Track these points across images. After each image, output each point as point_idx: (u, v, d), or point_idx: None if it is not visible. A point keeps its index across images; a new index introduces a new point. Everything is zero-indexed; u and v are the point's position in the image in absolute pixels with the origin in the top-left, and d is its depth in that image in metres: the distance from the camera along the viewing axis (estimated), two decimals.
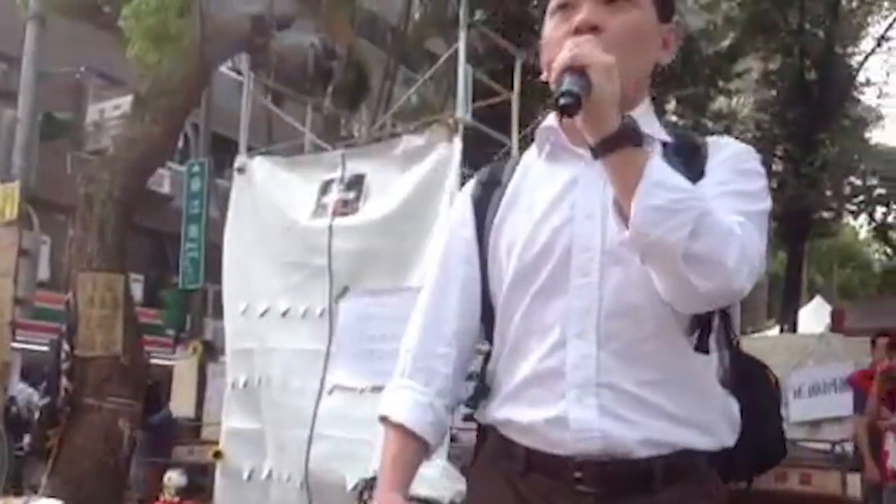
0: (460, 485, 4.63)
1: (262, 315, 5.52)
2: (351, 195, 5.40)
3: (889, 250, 18.67)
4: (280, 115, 7.22)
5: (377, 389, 4.97)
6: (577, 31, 1.41)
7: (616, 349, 1.39)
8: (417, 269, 4.99)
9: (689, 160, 1.42)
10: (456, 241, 1.58)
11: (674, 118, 15.64)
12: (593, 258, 1.40)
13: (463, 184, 5.54)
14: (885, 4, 15.52)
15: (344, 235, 5.29)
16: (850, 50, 15.62)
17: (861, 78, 15.96)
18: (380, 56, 9.53)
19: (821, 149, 14.41)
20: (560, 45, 1.37)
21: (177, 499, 6.45)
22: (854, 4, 15.54)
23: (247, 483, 5.49)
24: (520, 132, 5.95)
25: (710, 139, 1.48)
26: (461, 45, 5.49)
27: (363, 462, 4.78)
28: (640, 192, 1.26)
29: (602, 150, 1.29)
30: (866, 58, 15.73)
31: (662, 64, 1.53)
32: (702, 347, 1.40)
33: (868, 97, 17.33)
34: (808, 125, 14.40)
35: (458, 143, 5.01)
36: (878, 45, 15.65)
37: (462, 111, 5.26)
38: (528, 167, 1.55)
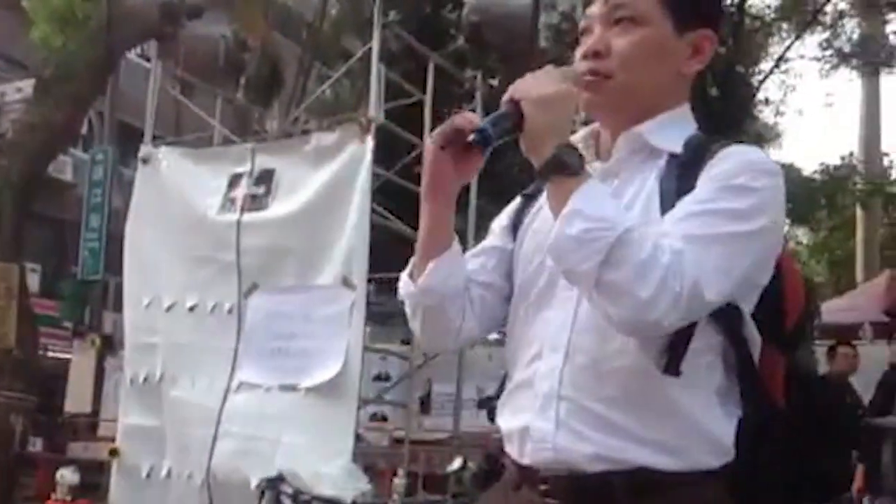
0: (363, 484, 4.64)
1: (168, 310, 5.41)
2: (260, 190, 5.35)
3: None
4: (189, 106, 7.08)
5: (285, 388, 4.95)
6: (584, 57, 1.48)
7: (581, 364, 1.41)
8: (327, 267, 4.98)
9: (686, 172, 1.41)
10: (493, 240, 1.63)
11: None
12: None
13: (374, 183, 5.55)
14: (784, 26, 16.21)
15: (252, 231, 5.24)
16: (750, 69, 16.24)
17: (760, 97, 16.63)
18: (295, 52, 9.45)
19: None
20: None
21: (69, 498, 6.25)
22: (756, 25, 16.17)
23: (145, 482, 5.37)
24: (431, 135, 5.97)
25: (725, 150, 1.41)
26: (374, 45, 5.50)
27: (268, 461, 4.75)
28: (559, 220, 1.30)
29: (540, 176, 1.35)
30: (765, 77, 16.39)
31: (692, 72, 1.52)
32: (670, 369, 1.36)
33: (766, 115, 18.06)
34: None
35: (370, 143, 5.01)
36: (777, 65, 16.33)
37: (374, 111, 5.26)
38: None
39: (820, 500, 1.51)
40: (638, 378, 1.38)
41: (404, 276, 1.57)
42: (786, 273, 1.48)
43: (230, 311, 5.20)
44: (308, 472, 4.59)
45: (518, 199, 1.66)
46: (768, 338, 1.44)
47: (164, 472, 5.28)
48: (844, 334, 11.52)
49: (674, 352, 1.36)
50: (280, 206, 5.21)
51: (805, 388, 1.49)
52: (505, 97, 1.37)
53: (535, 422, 1.43)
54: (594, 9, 1.50)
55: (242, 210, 5.30)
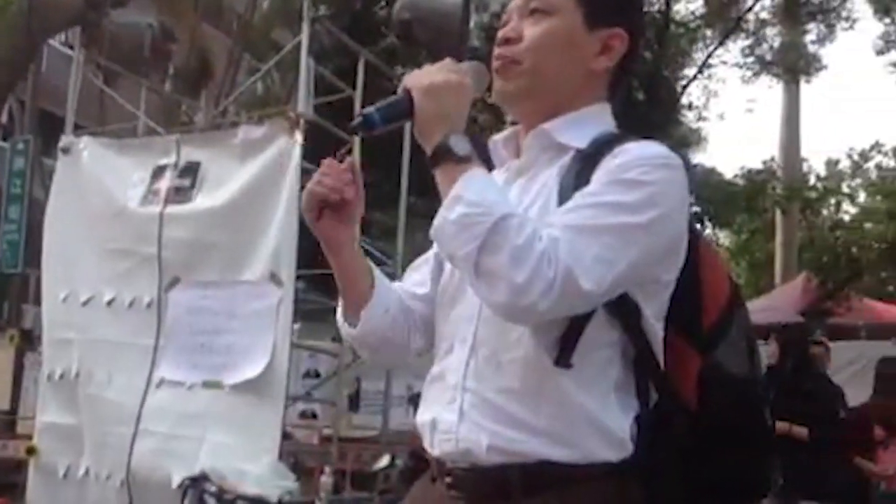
0: (290, 482, 4.59)
1: (85, 304, 5.27)
2: (185, 183, 5.25)
3: None
4: (113, 96, 6.91)
5: (207, 385, 4.86)
6: (497, 45, 1.53)
7: (485, 356, 1.43)
8: (252, 263, 4.91)
9: (584, 167, 1.42)
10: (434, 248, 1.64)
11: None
12: None
13: (304, 179, 5.52)
14: (708, 33, 16.60)
15: (176, 224, 5.14)
16: (675, 74, 16.59)
17: (684, 101, 16.99)
18: (225, 43, 9.31)
19: None
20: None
21: None
22: (680, 31, 16.52)
23: (62, 481, 5.22)
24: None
25: (623, 145, 1.44)
26: (304, 39, 5.45)
27: (190, 459, 4.66)
28: (443, 206, 1.33)
29: (429, 164, 1.38)
30: (689, 82, 16.75)
31: (600, 69, 1.52)
32: (562, 362, 1.38)
33: (690, 120, 18.46)
34: None
35: (298, 138, 4.96)
36: (700, 71, 16.71)
37: (304, 105, 5.22)
38: None
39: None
40: (534, 369, 1.39)
41: (341, 319, 1.62)
42: (706, 270, 1.49)
43: (149, 306, 5.09)
44: (233, 470, 4.53)
45: None
46: (684, 335, 1.46)
47: (81, 472, 5.14)
48: (762, 334, 11.88)
49: (565, 344, 1.38)
50: (205, 200, 5.12)
51: (722, 390, 1.46)
52: (400, 87, 1.42)
53: (443, 413, 1.46)
54: (514, 2, 1.55)
55: (166, 202, 5.19)
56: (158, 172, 5.34)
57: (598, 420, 1.39)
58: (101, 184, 5.48)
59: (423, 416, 1.51)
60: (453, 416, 1.44)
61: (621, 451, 1.40)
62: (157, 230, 5.13)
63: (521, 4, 1.53)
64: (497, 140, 1.61)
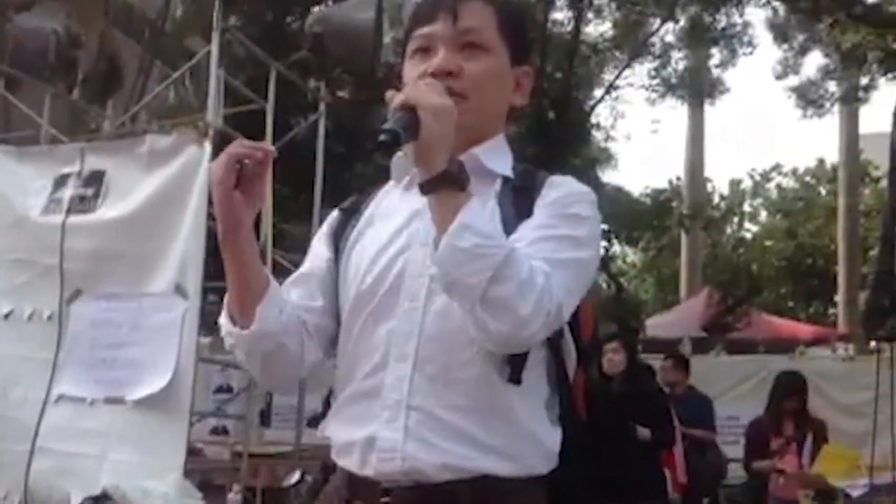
0: (196, 500, 4.50)
1: None
2: (89, 192, 5.12)
3: (609, 280, 20.33)
4: (16, 103, 6.69)
5: (110, 400, 4.73)
6: (433, 76, 1.49)
7: (431, 373, 1.43)
8: (159, 273, 4.81)
9: (521, 198, 1.49)
10: (314, 262, 1.63)
11: None
12: (423, 284, 1.45)
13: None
14: (616, 55, 17.03)
15: (78, 234, 5.00)
16: (584, 94, 16.94)
17: (593, 121, 17.36)
18: (137, 51, 9.12)
19: None
20: None
21: None
22: (589, 53, 16.90)
23: None
24: (274, 142, 5.93)
25: (551, 177, 1.52)
26: (213, 48, 5.40)
27: (91, 478, 4.53)
28: (450, 233, 1.32)
29: (427, 187, 1.36)
30: (597, 103, 17.13)
31: (517, 104, 1.61)
32: (514, 379, 1.43)
33: (598, 140, 18.86)
34: (546, 162, 15.44)
35: (207, 148, 4.90)
36: (608, 92, 17.11)
37: (213, 115, 5.16)
38: (384, 197, 1.62)
39: None
40: (484, 387, 1.42)
41: (226, 322, 1.53)
42: None
43: (50, 319, 4.93)
44: (136, 489, 4.41)
45: (335, 214, 1.68)
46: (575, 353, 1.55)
47: None
48: (667, 348, 12.19)
49: (516, 362, 1.43)
50: (110, 210, 5.00)
51: (602, 402, 1.59)
52: (396, 102, 1.36)
53: (383, 432, 1.43)
54: (435, 29, 1.54)
55: (68, 212, 5.05)
56: (61, 181, 5.20)
57: (536, 435, 1.45)
58: (0, 192, 5.30)
59: (352, 434, 1.47)
60: (397, 435, 1.42)
61: (551, 463, 1.46)
62: (58, 240, 4.99)
63: (453, 36, 1.53)
64: (401, 155, 1.59)
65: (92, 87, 7.73)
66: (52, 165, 5.30)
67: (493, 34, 1.55)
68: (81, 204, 5.08)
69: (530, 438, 1.44)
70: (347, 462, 1.49)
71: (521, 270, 1.33)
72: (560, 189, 1.49)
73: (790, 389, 6.21)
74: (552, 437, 1.47)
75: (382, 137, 1.31)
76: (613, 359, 5.07)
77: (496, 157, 1.56)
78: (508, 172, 1.54)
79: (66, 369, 4.86)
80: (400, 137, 1.32)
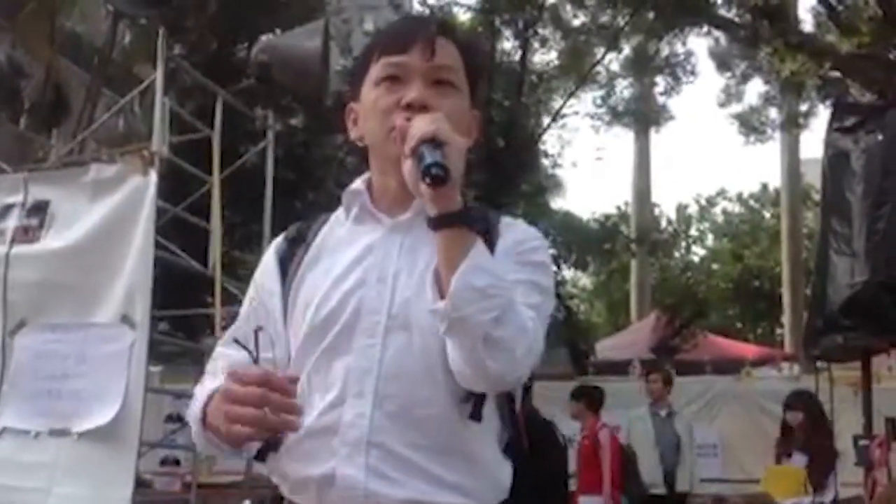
0: None
1: None
2: (33, 222, 5.06)
3: (559, 305, 20.48)
4: None
5: (55, 433, 4.65)
6: (410, 108, 1.47)
7: (391, 411, 1.43)
8: (105, 304, 4.77)
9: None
10: (261, 294, 1.61)
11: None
12: (380, 321, 1.45)
13: (160, 219, 5.40)
14: (563, 83, 17.29)
15: (23, 265, 4.93)
16: (531, 122, 17.14)
17: (540, 148, 17.55)
18: (85, 79, 9.04)
19: (504, 211, 15.61)
20: (389, 115, 1.49)
21: None
22: (536, 81, 17.13)
23: None
24: (221, 170, 5.93)
25: (504, 218, 1.55)
26: (158, 76, 5.40)
27: None
28: (464, 271, 1.33)
29: (440, 223, 1.36)
30: (544, 130, 17.34)
31: (470, 146, 1.54)
32: (475, 416, 1.44)
33: (547, 166, 19.08)
34: (495, 189, 15.57)
35: (153, 176, 4.87)
36: (554, 119, 17.34)
37: (158, 144, 5.14)
38: (333, 228, 1.59)
39: None
40: (444, 424, 1.43)
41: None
42: None
43: None
44: None
45: (280, 243, 1.63)
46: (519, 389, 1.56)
47: None
48: (617, 370, 12.32)
49: (477, 399, 1.44)
50: (54, 240, 4.94)
51: (541, 430, 1.59)
52: (425, 134, 1.34)
53: (343, 469, 1.42)
54: (411, 60, 1.52)
55: (13, 243, 4.98)
56: (4, 211, 5.13)
57: (491, 470, 1.47)
58: None
59: (309, 470, 1.46)
60: (358, 472, 1.42)
61: (502, 496, 1.48)
62: (1, 271, 4.91)
63: (427, 70, 1.51)
64: (361, 190, 1.59)
65: (38, 115, 7.65)
66: None
67: (461, 75, 1.55)
68: (25, 234, 5.01)
69: (486, 473, 1.46)
70: (303, 499, 1.48)
71: (520, 314, 1.38)
72: (516, 233, 1.51)
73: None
74: (505, 471, 1.49)
75: (436, 171, 1.31)
76: None
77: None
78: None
79: (9, 401, 4.77)
80: (450, 173, 1.32)
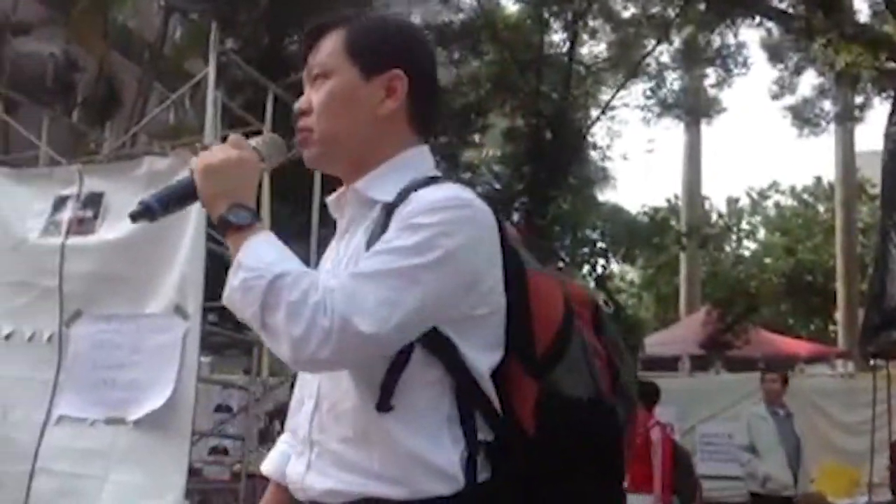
0: None
1: None
2: (87, 214, 5.14)
3: (607, 299, 20.33)
4: (15, 126, 6.73)
5: (111, 421, 4.73)
6: (295, 117, 1.61)
7: (327, 408, 1.52)
8: (158, 294, 4.83)
9: (386, 220, 1.48)
10: None
11: None
12: None
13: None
14: (613, 75, 17.13)
15: (78, 256, 5.01)
16: (580, 115, 17.02)
17: (589, 141, 17.42)
18: (136, 73, 9.19)
19: (552, 204, 15.53)
20: None
21: None
22: (585, 73, 17.00)
23: None
24: None
25: (417, 193, 1.49)
26: (210, 71, 5.45)
27: (92, 499, 4.52)
28: (229, 274, 1.43)
29: (222, 236, 1.50)
30: (593, 123, 17.21)
31: (387, 112, 1.57)
32: (381, 407, 1.44)
33: (596, 159, 18.94)
34: (542, 181, 15.49)
35: None
36: (603, 112, 17.19)
37: (210, 137, 5.19)
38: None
39: None
40: (362, 416, 1.46)
41: None
42: (536, 299, 1.52)
43: (50, 340, 4.94)
44: None
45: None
46: (520, 363, 1.50)
47: None
48: (666, 366, 12.19)
49: (385, 389, 1.44)
50: (109, 231, 5.02)
51: (559, 414, 1.48)
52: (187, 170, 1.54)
53: (294, 466, 1.57)
54: (305, 70, 1.63)
55: (67, 234, 5.07)
56: (60, 203, 5.22)
57: (424, 458, 1.44)
58: None
59: (288, 468, 1.63)
60: (301, 468, 1.54)
61: (453, 484, 1.44)
62: (58, 262, 5.00)
63: (307, 74, 1.61)
64: (330, 201, 1.67)
65: (91, 109, 7.79)
66: (51, 187, 5.32)
67: (339, 57, 1.58)
68: (80, 226, 5.10)
69: (416, 462, 1.44)
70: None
71: (289, 294, 1.36)
72: (415, 202, 1.47)
73: None
74: (449, 458, 1.45)
75: (134, 210, 1.51)
76: None
77: (382, 181, 1.55)
78: (388, 197, 1.52)
79: (66, 390, 4.86)
80: (153, 210, 1.51)
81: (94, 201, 5.14)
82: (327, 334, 1.35)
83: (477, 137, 16.39)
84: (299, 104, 1.60)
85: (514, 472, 1.47)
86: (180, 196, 1.54)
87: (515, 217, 16.52)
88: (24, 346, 5.01)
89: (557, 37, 16.54)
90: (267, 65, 9.32)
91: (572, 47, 16.26)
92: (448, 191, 1.49)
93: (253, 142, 1.59)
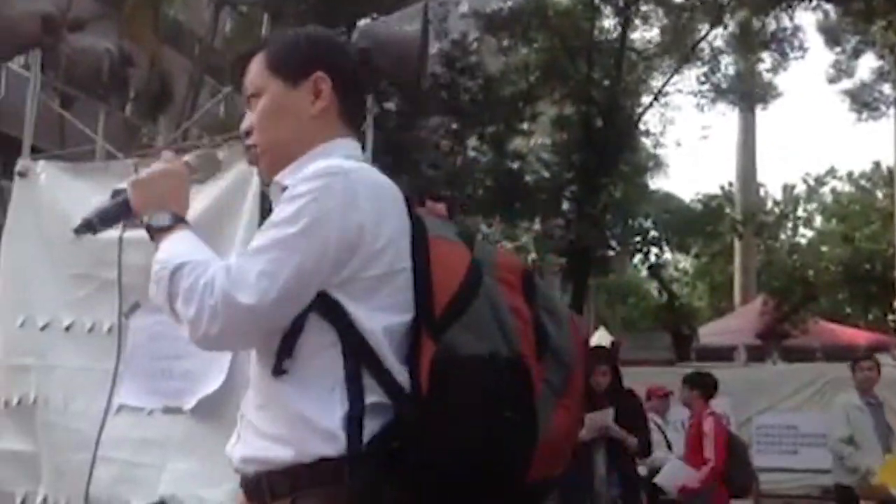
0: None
1: (43, 329, 5.18)
2: None
3: (661, 288, 20.12)
4: (71, 120, 6.86)
5: (168, 410, 4.80)
6: (245, 138, 1.78)
7: (247, 382, 1.69)
8: None
9: (280, 202, 1.61)
10: None
11: (473, 154, 16.22)
12: None
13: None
14: (665, 61, 16.88)
15: (135, 249, 5.01)
16: (632, 101, 16.81)
17: (641, 128, 17.22)
18: (187, 66, 9.31)
19: (603, 192, 15.39)
20: None
21: None
22: (636, 59, 16.78)
23: None
24: None
25: (307, 173, 1.60)
26: None
27: (150, 487, 4.60)
28: None
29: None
30: (645, 110, 16.99)
31: (318, 110, 1.71)
32: (275, 371, 1.56)
33: (648, 146, 18.71)
34: (593, 169, 15.35)
35: None
36: (656, 98, 16.96)
37: None
38: None
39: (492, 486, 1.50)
40: (263, 382, 1.60)
41: None
42: (435, 262, 1.57)
43: (109, 331, 5.02)
44: (192, 497, 4.47)
45: None
46: (421, 324, 1.54)
47: (39, 500, 5.03)
48: (721, 356, 12.02)
49: (279, 354, 1.56)
50: None
51: (450, 371, 1.49)
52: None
53: (231, 441, 1.70)
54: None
55: (125, 227, 5.13)
56: (117, 196, 5.29)
57: (311, 420, 1.53)
58: (58, 208, 5.41)
59: None
60: (234, 441, 1.68)
61: (336, 445, 1.51)
62: (116, 255, 5.07)
63: (246, 97, 1.76)
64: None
65: (144, 103, 7.91)
66: (108, 181, 5.38)
67: (263, 75, 1.74)
68: (137, 218, 5.17)
69: (304, 423, 1.53)
70: None
71: (184, 281, 1.53)
72: (297, 182, 1.58)
73: None
74: (330, 417, 1.51)
75: (77, 227, 1.82)
76: (600, 381, 5.81)
77: (291, 171, 1.68)
78: (288, 182, 1.64)
79: (125, 380, 4.94)
80: (92, 225, 1.85)
81: None
82: (214, 311, 1.49)
83: (526, 126, 16.28)
84: (243, 126, 1.76)
85: (402, 431, 1.50)
86: (118, 210, 1.81)
87: (565, 205, 16.41)
88: (85, 337, 5.10)
89: (609, 22, 16.35)
90: None
91: (624, 33, 16.06)
92: (321, 164, 1.60)
93: (187, 157, 1.84)
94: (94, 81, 7.09)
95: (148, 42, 8.15)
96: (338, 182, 1.54)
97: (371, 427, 1.50)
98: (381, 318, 1.53)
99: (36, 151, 5.89)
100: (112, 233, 5.44)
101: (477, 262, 1.58)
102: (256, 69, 1.75)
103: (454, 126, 15.23)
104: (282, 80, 1.72)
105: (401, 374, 1.53)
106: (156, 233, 1.68)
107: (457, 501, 1.49)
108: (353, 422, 1.50)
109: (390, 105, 13.38)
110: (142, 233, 6.17)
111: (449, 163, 15.36)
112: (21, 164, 5.66)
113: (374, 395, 1.52)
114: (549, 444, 1.53)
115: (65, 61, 6.91)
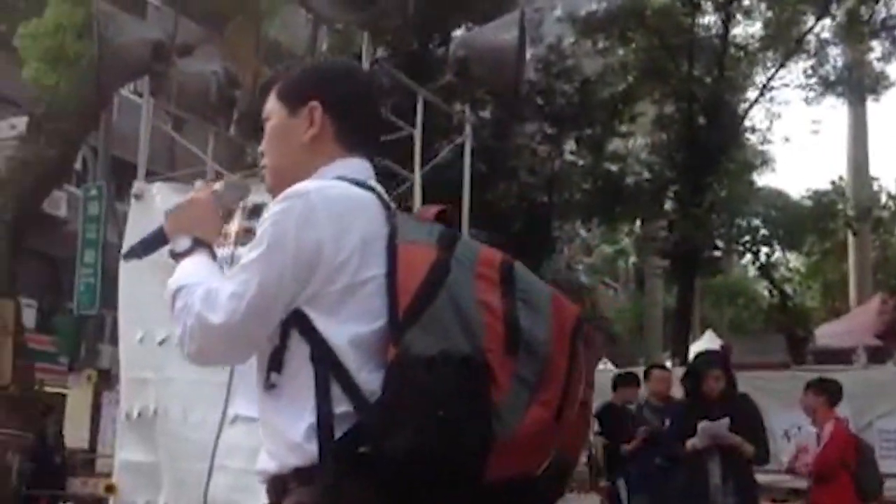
0: None
1: (161, 344, 5.40)
2: (253, 224, 5.35)
3: (772, 288, 19.52)
4: (181, 142, 7.14)
5: None
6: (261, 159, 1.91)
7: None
8: None
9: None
10: None
11: (572, 158, 16.12)
12: None
13: None
14: (770, 55, 16.39)
15: None
16: (736, 97, 16.38)
17: (746, 124, 16.75)
18: None
19: (708, 191, 15.04)
20: None
21: None
22: (740, 55, 16.35)
23: None
24: (422, 168, 6.07)
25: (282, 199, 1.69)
26: None
27: (262, 495, 4.72)
28: None
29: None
30: (751, 106, 16.52)
31: (309, 138, 1.81)
32: (266, 386, 1.65)
33: (755, 143, 18.19)
34: (696, 168, 15.02)
35: None
36: (761, 94, 16.48)
37: None
38: None
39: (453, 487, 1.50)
40: (259, 396, 1.69)
41: None
42: (400, 266, 1.60)
43: None
44: None
45: None
46: (389, 330, 1.57)
47: None
48: (839, 359, 11.56)
49: (268, 371, 1.64)
50: None
51: (403, 372, 1.50)
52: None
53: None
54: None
55: (236, 244, 5.31)
56: (227, 216, 5.46)
57: (284, 432, 1.62)
58: None
59: None
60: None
61: (305, 456, 1.58)
62: (227, 271, 5.24)
63: (263, 121, 1.89)
64: None
65: (248, 123, 8.14)
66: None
67: (273, 103, 1.87)
68: (247, 236, 5.32)
69: (280, 435, 1.63)
70: None
71: (178, 303, 1.67)
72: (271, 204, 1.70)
73: None
74: (296, 430, 1.58)
75: (123, 252, 1.89)
76: (713, 386, 5.67)
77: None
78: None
79: (239, 391, 5.10)
80: (137, 253, 1.99)
81: (257, 212, 5.34)
82: (191, 332, 1.63)
83: (625, 127, 16.06)
84: (261, 148, 1.90)
85: (362, 438, 1.53)
86: (155, 238, 1.93)
87: (668, 206, 16.11)
88: None
89: (709, 19, 15.99)
90: (415, 69, 9.49)
91: (726, 28, 15.68)
92: (298, 185, 1.69)
93: (216, 185, 2.00)
94: (202, 104, 7.35)
95: (249, 63, 8.41)
96: (297, 203, 1.64)
97: (339, 435, 1.57)
98: (350, 328, 1.59)
99: (148, 174, 6.15)
100: (223, 250, 5.63)
101: (446, 260, 1.59)
102: (271, 98, 1.89)
103: (550, 131, 15.15)
104: (285, 107, 1.85)
105: (369, 383, 1.56)
106: (176, 257, 1.82)
107: (416, 501, 1.52)
108: (321, 432, 1.57)
109: (485, 113, 13.42)
110: None
111: (546, 168, 15.29)
112: (137, 186, 5.92)
113: (342, 406, 1.57)
114: (518, 440, 1.49)
115: (175, 86, 7.19)
